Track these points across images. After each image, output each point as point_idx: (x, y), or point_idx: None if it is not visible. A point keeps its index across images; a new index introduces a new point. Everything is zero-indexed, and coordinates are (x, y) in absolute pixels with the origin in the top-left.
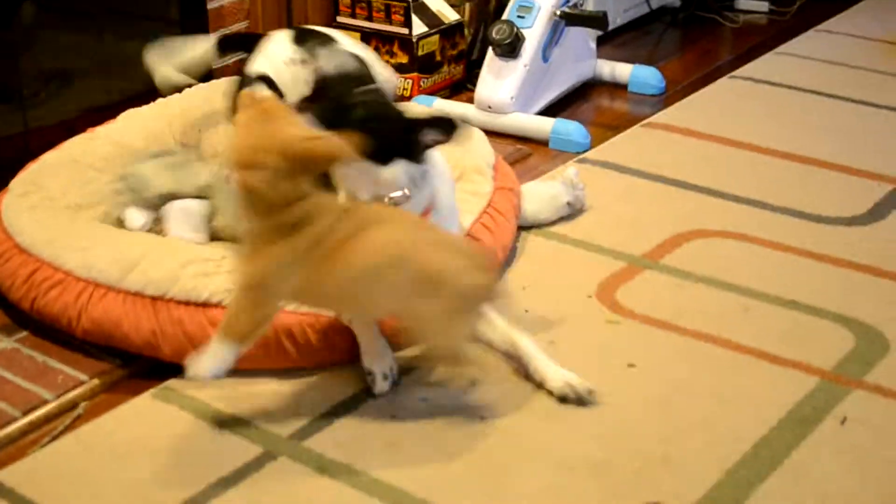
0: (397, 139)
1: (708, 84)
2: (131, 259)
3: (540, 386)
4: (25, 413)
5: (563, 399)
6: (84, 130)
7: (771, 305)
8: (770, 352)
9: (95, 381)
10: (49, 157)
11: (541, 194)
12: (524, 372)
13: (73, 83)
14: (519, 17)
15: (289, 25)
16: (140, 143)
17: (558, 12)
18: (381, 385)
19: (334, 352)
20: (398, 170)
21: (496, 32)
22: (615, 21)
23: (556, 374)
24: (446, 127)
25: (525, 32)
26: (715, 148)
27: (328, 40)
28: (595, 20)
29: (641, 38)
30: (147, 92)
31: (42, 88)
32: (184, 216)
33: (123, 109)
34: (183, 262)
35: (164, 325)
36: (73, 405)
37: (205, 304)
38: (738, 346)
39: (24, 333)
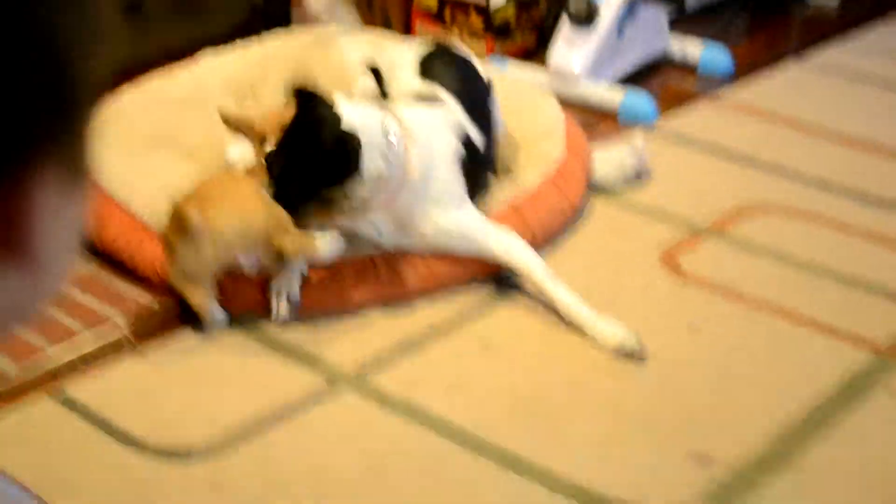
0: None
1: (775, 67)
2: None
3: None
4: (95, 332)
5: (621, 353)
6: (158, 69)
7: (830, 280)
8: (827, 322)
9: (166, 307)
10: (127, 93)
11: (607, 158)
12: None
13: (149, 23)
14: None
15: None
16: (220, 84)
17: None
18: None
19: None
20: None
21: (572, 2)
22: (687, 2)
23: (606, 335)
24: None
25: (601, 4)
26: (779, 127)
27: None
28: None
29: (711, 20)
30: (225, 36)
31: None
32: None
33: (198, 52)
34: None
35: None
36: (144, 329)
37: None
38: (796, 315)
39: (98, 259)
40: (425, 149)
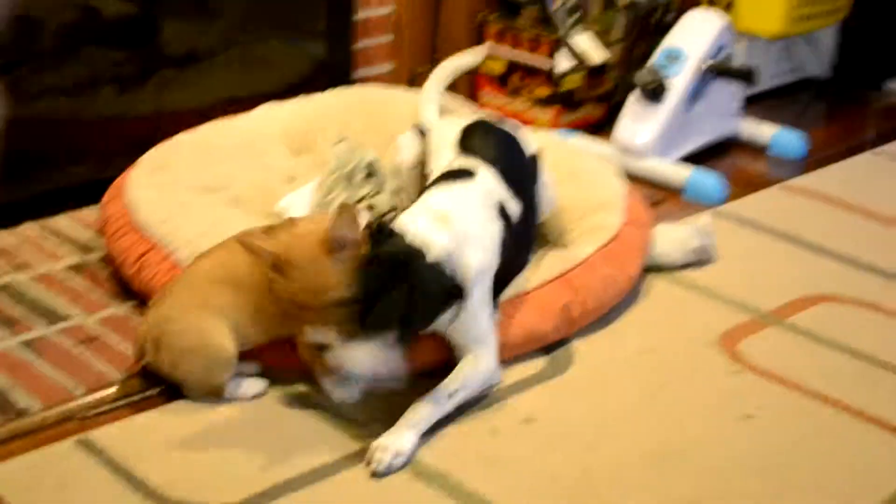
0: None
1: (850, 156)
2: None
3: None
4: (127, 378)
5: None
6: (217, 118)
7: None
8: (892, 422)
9: None
10: (183, 139)
11: (670, 236)
12: None
13: (212, 73)
14: (666, 64)
15: (433, 44)
16: (277, 135)
17: (707, 64)
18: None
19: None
20: None
21: (641, 76)
22: (762, 85)
23: (390, 434)
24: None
25: (671, 80)
26: (851, 217)
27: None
28: (744, 75)
29: (788, 104)
30: (285, 91)
31: (179, 74)
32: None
33: (259, 104)
34: None
35: None
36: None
37: None
38: (860, 412)
39: (135, 302)
40: (471, 243)
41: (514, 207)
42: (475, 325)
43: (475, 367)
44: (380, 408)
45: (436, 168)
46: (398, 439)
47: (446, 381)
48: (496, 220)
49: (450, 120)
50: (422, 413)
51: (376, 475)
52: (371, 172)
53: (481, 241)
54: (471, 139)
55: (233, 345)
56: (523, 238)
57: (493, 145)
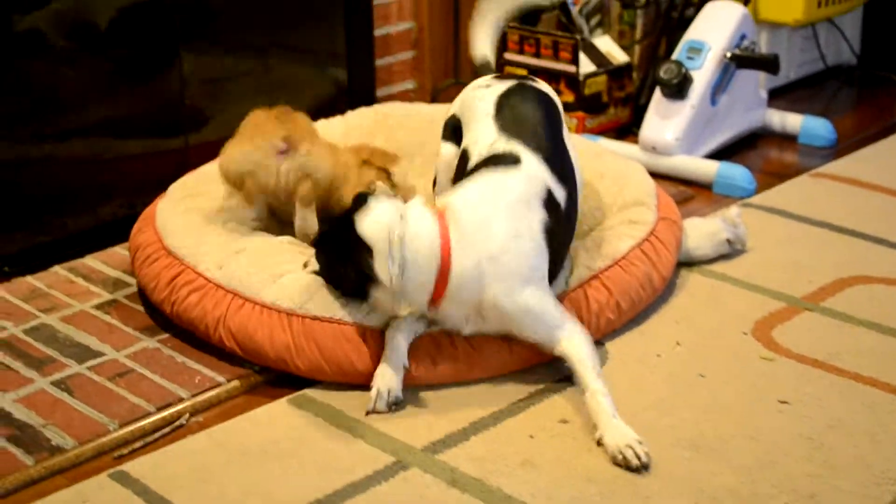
0: None
1: (881, 139)
2: (272, 271)
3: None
4: (160, 409)
5: (615, 462)
6: None
7: None
8: None
9: (233, 384)
10: (209, 168)
11: (700, 230)
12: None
13: (236, 105)
14: (688, 58)
15: (455, 60)
16: None
17: (728, 54)
18: (376, 403)
19: (473, 369)
20: None
21: (664, 72)
22: (788, 76)
23: (614, 435)
24: None
25: (694, 74)
26: (883, 199)
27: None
28: (766, 63)
29: (815, 93)
30: (310, 116)
31: (205, 109)
32: None
33: None
34: None
35: (298, 338)
36: (209, 405)
37: (339, 321)
38: None
39: (167, 335)
40: (479, 235)
41: (559, 190)
42: (543, 321)
43: (577, 345)
44: (408, 417)
45: (472, 145)
46: (625, 431)
47: (580, 376)
48: (539, 211)
49: (483, 84)
50: (607, 402)
51: (638, 469)
52: None
53: (519, 242)
54: (511, 115)
55: None
56: (567, 217)
57: (535, 122)
